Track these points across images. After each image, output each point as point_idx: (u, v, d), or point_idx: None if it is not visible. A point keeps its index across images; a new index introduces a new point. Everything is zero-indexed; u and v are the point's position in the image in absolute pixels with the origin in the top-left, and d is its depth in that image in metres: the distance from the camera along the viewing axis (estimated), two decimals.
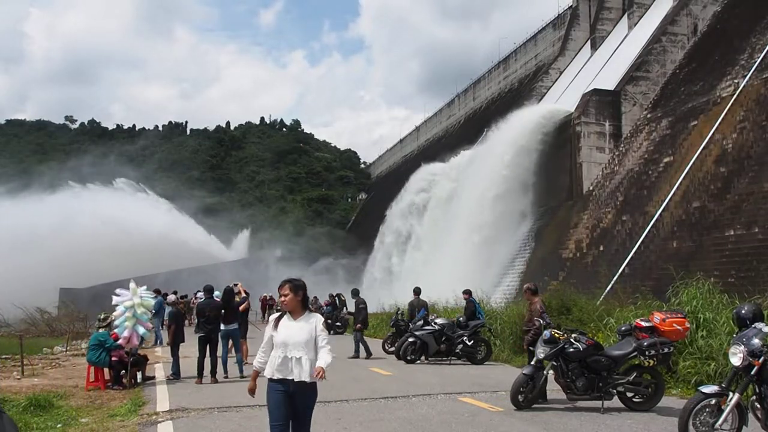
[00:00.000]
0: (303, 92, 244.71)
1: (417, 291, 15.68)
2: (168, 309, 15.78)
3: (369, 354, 14.74)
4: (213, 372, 10.87)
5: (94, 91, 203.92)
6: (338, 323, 24.36)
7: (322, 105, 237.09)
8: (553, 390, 8.50)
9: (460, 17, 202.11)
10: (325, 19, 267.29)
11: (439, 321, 14.02)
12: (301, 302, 4.60)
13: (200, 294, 17.23)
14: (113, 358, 10.56)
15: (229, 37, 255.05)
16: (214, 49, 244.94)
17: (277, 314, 4.72)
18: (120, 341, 10.71)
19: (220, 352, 11.32)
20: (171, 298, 22.25)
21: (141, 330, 10.91)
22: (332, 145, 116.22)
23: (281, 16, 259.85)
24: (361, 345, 14.83)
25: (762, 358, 5.59)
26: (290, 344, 4.47)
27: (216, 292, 11.95)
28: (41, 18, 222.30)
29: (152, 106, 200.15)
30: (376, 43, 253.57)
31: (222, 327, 11.41)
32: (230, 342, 12.00)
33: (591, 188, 29.28)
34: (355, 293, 16.16)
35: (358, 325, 15.23)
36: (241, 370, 11.50)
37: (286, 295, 4.56)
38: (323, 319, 4.76)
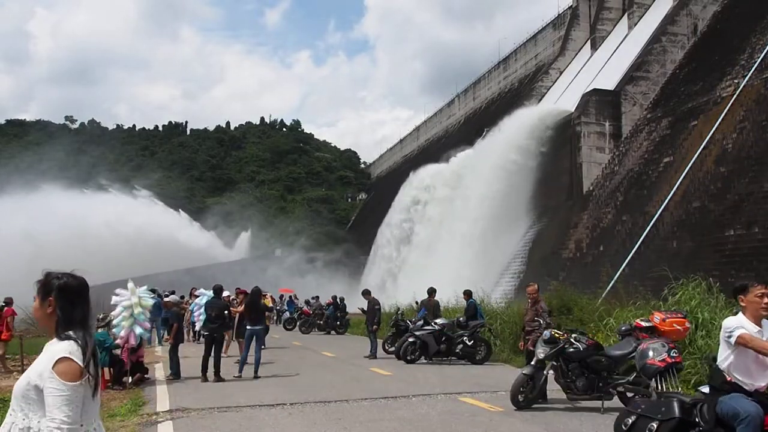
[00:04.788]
0: (307, 92, 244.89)
1: (431, 291, 15.59)
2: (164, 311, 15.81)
3: (374, 355, 14.78)
4: (216, 371, 10.85)
5: (97, 92, 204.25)
6: (338, 322, 24.65)
7: (326, 105, 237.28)
8: (553, 390, 8.50)
9: (464, 18, 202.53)
10: (331, 19, 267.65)
11: (439, 321, 14.04)
12: (51, 317, 2.40)
13: (200, 292, 17.23)
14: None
15: (235, 37, 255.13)
16: (219, 49, 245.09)
17: None
18: (117, 341, 10.74)
19: (225, 351, 11.31)
20: (173, 298, 22.15)
21: (138, 330, 10.91)
22: (332, 145, 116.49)
23: (287, 16, 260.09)
24: (371, 344, 15.02)
25: None
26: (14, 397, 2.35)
27: (226, 292, 12.07)
28: (46, 18, 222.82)
29: (154, 106, 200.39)
30: (380, 43, 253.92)
31: (248, 327, 11.58)
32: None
33: (591, 188, 29.28)
34: (367, 293, 16.08)
35: (374, 327, 15.30)
36: (256, 370, 11.34)
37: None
38: (63, 355, 2.28)
